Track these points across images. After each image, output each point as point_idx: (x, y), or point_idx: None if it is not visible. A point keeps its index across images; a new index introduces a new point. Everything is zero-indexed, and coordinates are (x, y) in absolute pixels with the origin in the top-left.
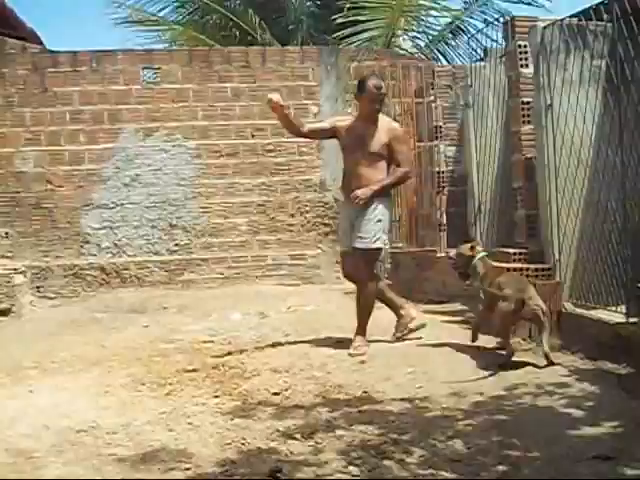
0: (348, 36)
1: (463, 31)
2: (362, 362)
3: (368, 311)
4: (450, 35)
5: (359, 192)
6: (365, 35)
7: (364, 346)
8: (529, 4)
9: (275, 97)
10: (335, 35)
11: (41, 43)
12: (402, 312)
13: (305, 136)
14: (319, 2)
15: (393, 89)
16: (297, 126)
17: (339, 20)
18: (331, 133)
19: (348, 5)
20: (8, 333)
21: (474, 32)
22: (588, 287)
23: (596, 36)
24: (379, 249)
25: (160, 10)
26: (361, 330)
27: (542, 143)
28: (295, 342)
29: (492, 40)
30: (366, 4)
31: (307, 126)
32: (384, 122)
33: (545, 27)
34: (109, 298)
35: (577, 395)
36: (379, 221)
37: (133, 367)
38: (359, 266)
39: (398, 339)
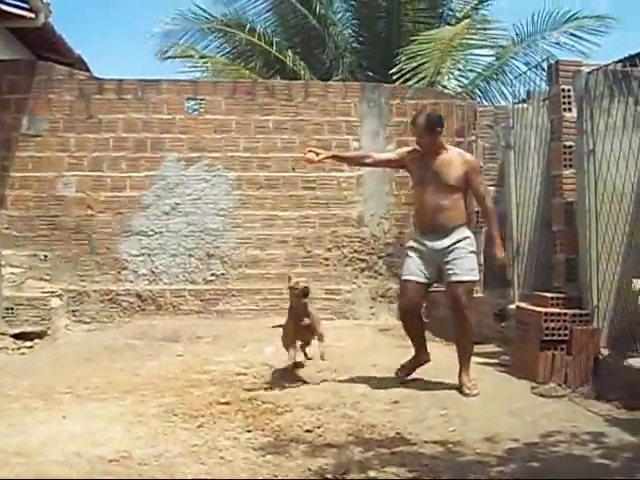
0: (397, 79)
1: (505, 72)
2: (395, 402)
3: (472, 344)
4: (494, 75)
5: (499, 255)
6: (414, 80)
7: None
8: (572, 48)
9: (311, 156)
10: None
11: (88, 70)
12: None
13: (371, 166)
14: (362, 38)
15: None
16: (356, 159)
17: (394, 71)
18: (399, 164)
19: (403, 57)
20: (43, 356)
21: (517, 74)
22: (627, 335)
23: None
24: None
25: (205, 47)
26: (468, 365)
27: (583, 187)
28: (328, 379)
29: (536, 83)
30: (419, 52)
31: (374, 157)
32: (455, 153)
33: (589, 72)
34: (144, 325)
35: (613, 445)
36: (473, 252)
37: (166, 397)
38: (463, 300)
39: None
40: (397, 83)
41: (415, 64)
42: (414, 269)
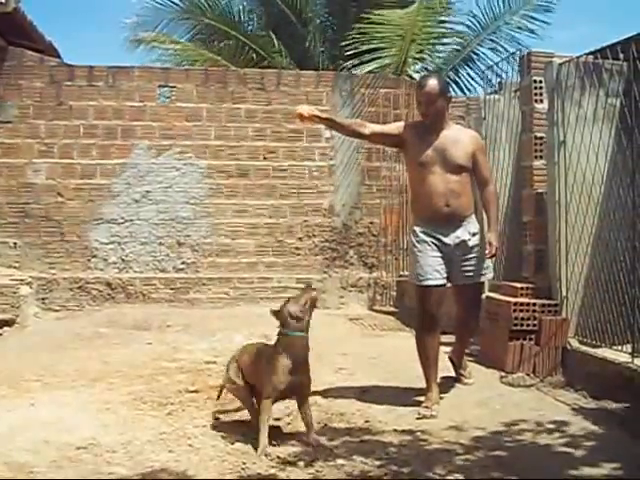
0: (358, 64)
1: (474, 61)
2: (364, 391)
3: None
4: (463, 64)
5: (494, 243)
6: (374, 65)
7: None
8: (535, 34)
9: (304, 110)
10: (345, 64)
11: (59, 56)
12: None
13: (366, 139)
14: (335, 28)
15: (406, 117)
16: (351, 128)
17: (348, 50)
18: (396, 141)
19: (355, 33)
20: (11, 344)
21: (486, 62)
22: (594, 325)
23: (612, 75)
24: None
25: (180, 37)
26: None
27: (554, 179)
28: None
29: (506, 73)
30: (375, 33)
31: (370, 128)
32: (457, 129)
33: (561, 63)
34: (114, 313)
35: (578, 434)
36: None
37: (135, 385)
38: (478, 299)
39: None
40: (350, 63)
41: (373, 46)
42: (435, 270)
